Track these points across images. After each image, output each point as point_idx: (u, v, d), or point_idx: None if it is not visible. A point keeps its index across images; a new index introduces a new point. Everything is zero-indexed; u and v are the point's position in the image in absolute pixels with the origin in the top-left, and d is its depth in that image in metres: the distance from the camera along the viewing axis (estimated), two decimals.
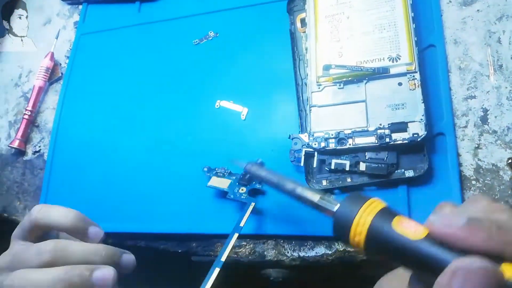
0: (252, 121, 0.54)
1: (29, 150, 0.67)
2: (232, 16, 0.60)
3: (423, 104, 0.42)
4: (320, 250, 0.46)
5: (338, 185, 0.46)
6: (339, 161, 0.45)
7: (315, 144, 0.45)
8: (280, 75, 0.53)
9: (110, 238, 0.53)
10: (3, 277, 0.31)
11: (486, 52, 0.47)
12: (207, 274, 0.39)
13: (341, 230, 0.24)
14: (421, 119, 0.42)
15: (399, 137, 0.42)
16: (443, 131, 0.45)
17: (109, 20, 0.69)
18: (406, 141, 0.42)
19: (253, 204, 0.45)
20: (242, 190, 0.48)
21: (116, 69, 0.65)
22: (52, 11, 0.77)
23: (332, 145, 0.45)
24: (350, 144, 0.44)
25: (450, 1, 0.50)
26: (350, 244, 0.24)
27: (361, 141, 0.44)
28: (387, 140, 0.43)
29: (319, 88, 0.47)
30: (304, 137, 0.47)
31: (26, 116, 0.67)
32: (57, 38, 0.72)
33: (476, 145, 0.44)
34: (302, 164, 0.47)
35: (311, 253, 0.47)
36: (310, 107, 0.47)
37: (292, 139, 0.48)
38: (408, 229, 0.21)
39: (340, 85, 0.47)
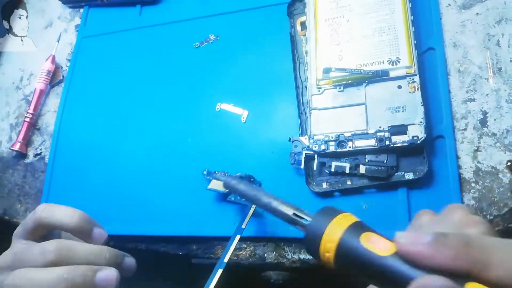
0: (252, 124, 0.54)
1: (30, 153, 0.67)
2: (232, 19, 0.60)
3: (422, 107, 0.43)
4: None
5: (338, 187, 0.46)
6: (339, 163, 0.45)
7: (315, 147, 0.46)
8: (280, 78, 0.54)
9: (111, 241, 0.53)
10: (4, 276, 0.30)
11: (485, 55, 0.47)
12: (210, 275, 0.39)
13: (312, 246, 0.24)
14: (421, 122, 0.42)
15: (399, 140, 0.43)
16: (443, 133, 0.45)
17: (110, 23, 0.69)
18: (406, 144, 0.42)
19: (254, 206, 0.45)
20: None
21: (117, 72, 0.65)
22: (53, 14, 0.77)
23: (332, 147, 0.45)
24: (350, 147, 0.44)
25: (449, 5, 0.50)
26: (321, 261, 0.24)
27: (361, 143, 0.44)
28: (387, 142, 0.43)
29: (319, 91, 0.48)
30: (304, 139, 0.47)
31: (27, 119, 0.67)
32: (58, 41, 0.72)
33: (476, 148, 0.44)
34: (302, 166, 0.47)
35: None
36: (310, 110, 0.47)
37: (292, 141, 0.48)
38: (376, 245, 0.21)
39: (340, 88, 0.47)
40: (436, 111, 0.46)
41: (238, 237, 0.43)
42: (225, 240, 0.43)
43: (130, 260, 0.34)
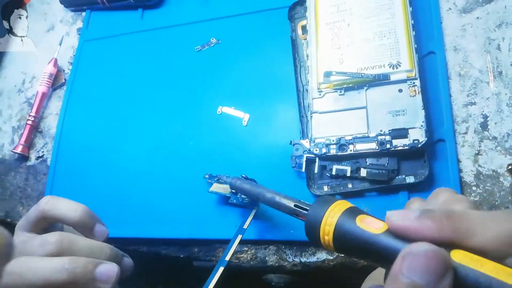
0: (253, 127, 0.54)
1: (32, 156, 0.68)
2: (234, 23, 0.61)
3: (423, 110, 0.43)
4: (322, 256, 0.47)
5: (339, 190, 0.46)
6: (340, 167, 0.45)
7: (316, 150, 0.46)
8: (281, 81, 0.54)
9: (112, 243, 0.53)
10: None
11: (486, 59, 0.47)
12: (211, 274, 0.39)
13: (312, 232, 0.26)
14: (422, 126, 0.42)
15: (399, 143, 0.43)
16: (444, 137, 0.45)
17: (112, 27, 0.70)
18: (407, 147, 0.42)
19: (256, 207, 0.46)
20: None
21: (119, 75, 0.66)
22: (55, 17, 0.77)
23: (333, 151, 0.45)
24: (351, 150, 0.44)
25: (450, 9, 0.50)
26: (322, 245, 0.25)
27: (362, 147, 0.44)
28: (388, 146, 0.43)
29: (320, 94, 0.48)
30: (305, 143, 0.47)
31: (29, 122, 0.67)
32: (60, 44, 0.72)
33: (476, 151, 0.44)
34: (303, 170, 0.47)
35: (313, 259, 0.47)
36: (311, 113, 0.48)
37: (294, 145, 0.48)
38: (370, 224, 0.23)
39: (341, 92, 0.47)
40: (437, 115, 0.46)
41: (239, 237, 0.43)
42: (226, 242, 0.43)
43: (128, 261, 0.35)
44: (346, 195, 0.46)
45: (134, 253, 0.54)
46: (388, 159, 0.44)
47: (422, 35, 0.49)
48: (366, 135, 0.44)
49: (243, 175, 0.48)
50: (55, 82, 0.70)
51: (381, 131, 0.44)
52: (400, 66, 0.45)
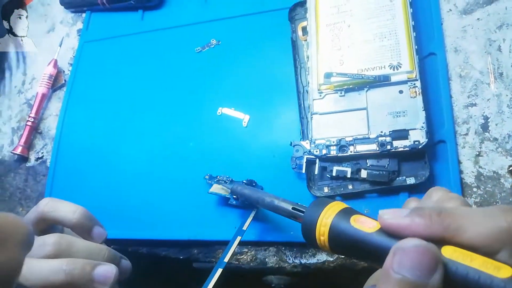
0: (253, 128, 0.54)
1: (32, 157, 0.68)
2: (234, 24, 0.61)
3: (424, 111, 0.43)
4: (322, 257, 0.46)
5: (339, 192, 0.46)
6: (340, 168, 0.45)
7: (316, 151, 0.46)
8: (282, 82, 0.54)
9: (112, 245, 0.53)
10: None
11: (487, 60, 0.47)
12: (210, 275, 0.39)
13: (308, 233, 0.26)
14: (422, 127, 0.42)
15: (400, 145, 0.43)
16: (444, 138, 0.45)
17: (112, 28, 0.70)
18: (407, 149, 0.42)
19: (255, 209, 0.45)
20: None
21: (119, 76, 0.65)
22: (55, 19, 0.77)
23: (333, 152, 0.45)
24: (351, 151, 0.44)
25: (450, 10, 0.50)
26: (318, 246, 0.26)
27: (362, 148, 0.44)
28: (388, 147, 0.43)
29: (320, 95, 0.48)
30: (306, 144, 0.47)
31: (29, 123, 0.67)
32: (60, 45, 0.72)
33: (477, 153, 0.44)
34: (303, 171, 0.47)
35: (313, 260, 0.47)
36: (311, 115, 0.48)
37: (294, 146, 0.48)
38: (364, 224, 0.23)
39: (341, 93, 0.47)
40: (437, 116, 0.46)
41: (239, 238, 0.43)
42: (226, 244, 0.43)
43: (126, 263, 0.34)
44: (346, 197, 0.46)
45: (133, 254, 0.54)
46: (389, 160, 0.44)
47: (423, 36, 0.49)
48: (367, 136, 0.44)
49: (244, 181, 0.48)
50: (55, 83, 0.70)
51: (381, 132, 0.44)
52: (400, 67, 0.45)
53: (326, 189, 0.47)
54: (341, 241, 0.24)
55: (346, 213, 0.25)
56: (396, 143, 0.43)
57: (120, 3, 0.69)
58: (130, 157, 0.59)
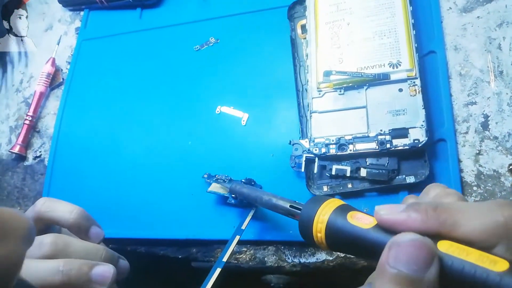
0: (252, 127, 0.54)
1: (30, 156, 0.67)
2: (233, 22, 0.60)
3: (423, 110, 0.42)
4: (321, 256, 0.46)
5: (339, 191, 0.46)
6: (339, 167, 0.45)
7: (315, 150, 0.45)
8: (281, 81, 0.54)
9: (110, 244, 0.53)
10: None
11: (487, 58, 0.47)
12: (208, 274, 0.39)
13: (305, 230, 0.26)
14: (422, 125, 0.42)
15: (400, 143, 0.42)
16: (444, 137, 0.45)
17: (111, 26, 0.69)
18: (407, 147, 0.42)
19: (254, 208, 0.45)
20: None
21: (117, 75, 0.65)
22: (53, 17, 0.77)
23: (332, 151, 0.45)
24: (350, 150, 0.44)
25: (450, 8, 0.50)
26: (315, 243, 0.26)
27: (361, 147, 0.44)
28: (388, 146, 0.43)
29: (319, 94, 0.48)
30: (305, 143, 0.47)
31: (27, 122, 0.67)
32: (58, 44, 0.72)
33: (477, 151, 0.44)
34: (302, 170, 0.47)
35: (312, 259, 0.46)
36: (310, 113, 0.47)
37: (293, 145, 0.47)
38: (361, 220, 0.23)
39: (340, 91, 0.47)
40: (437, 114, 0.46)
41: (237, 237, 0.43)
42: (225, 243, 0.43)
43: (123, 263, 0.34)
44: (346, 195, 0.46)
45: (132, 253, 0.54)
46: (388, 159, 0.44)
47: (423, 35, 0.49)
48: (366, 134, 0.44)
49: (243, 180, 0.48)
50: (53, 81, 0.70)
51: (381, 130, 0.43)
52: (400, 65, 0.45)
53: (325, 188, 0.46)
54: (337, 237, 0.24)
55: (343, 210, 0.25)
56: (395, 142, 0.43)
57: (118, 1, 0.69)
58: (128, 156, 0.59)
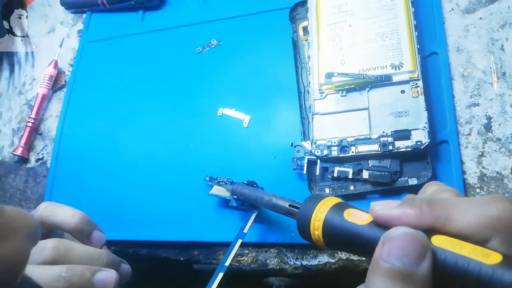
0: (254, 129, 0.54)
1: (32, 158, 0.67)
2: (234, 24, 0.60)
3: (426, 111, 0.42)
4: (323, 259, 0.46)
5: (341, 193, 0.45)
6: (342, 169, 0.45)
7: (317, 152, 0.45)
8: (283, 83, 0.54)
9: (113, 246, 0.53)
10: None
11: (489, 60, 0.46)
12: (211, 279, 0.39)
13: (303, 228, 0.26)
14: (424, 127, 0.42)
15: (402, 145, 0.42)
16: (447, 138, 0.45)
17: (113, 29, 0.70)
18: (409, 149, 0.42)
19: (256, 211, 0.45)
20: None
21: (119, 77, 0.65)
22: (56, 19, 0.77)
23: (334, 152, 0.45)
24: (353, 152, 0.44)
25: (453, 9, 0.50)
26: (313, 241, 0.26)
27: (364, 148, 0.44)
28: (390, 147, 0.42)
29: (321, 95, 0.47)
30: (307, 144, 0.47)
31: (29, 124, 0.67)
32: (61, 46, 0.72)
33: (480, 153, 0.44)
34: (304, 172, 0.46)
35: (314, 262, 0.46)
36: (312, 115, 0.47)
37: (295, 146, 0.47)
38: (357, 217, 0.23)
39: (342, 93, 0.47)
40: (440, 116, 0.46)
41: (239, 241, 0.42)
42: (227, 245, 0.43)
43: (126, 267, 0.34)
44: (348, 197, 0.46)
45: (134, 256, 0.54)
46: (391, 161, 0.43)
47: (425, 36, 0.49)
48: (368, 136, 0.44)
49: (245, 181, 0.48)
50: (55, 84, 0.70)
51: (383, 132, 0.43)
52: (402, 67, 0.45)
53: (327, 190, 0.46)
54: (334, 235, 0.24)
55: (340, 207, 0.25)
56: (398, 144, 0.42)
57: (120, 4, 0.69)
58: (130, 158, 0.59)
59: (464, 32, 0.49)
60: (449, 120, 0.45)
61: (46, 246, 0.30)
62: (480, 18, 0.48)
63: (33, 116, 0.67)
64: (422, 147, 0.41)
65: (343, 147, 0.45)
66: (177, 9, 0.67)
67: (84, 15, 0.74)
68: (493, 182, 0.43)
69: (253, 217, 0.45)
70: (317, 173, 0.46)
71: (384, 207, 0.22)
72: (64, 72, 0.71)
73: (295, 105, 0.51)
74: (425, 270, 0.18)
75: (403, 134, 0.42)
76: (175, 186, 0.54)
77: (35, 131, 0.69)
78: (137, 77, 0.64)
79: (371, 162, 0.44)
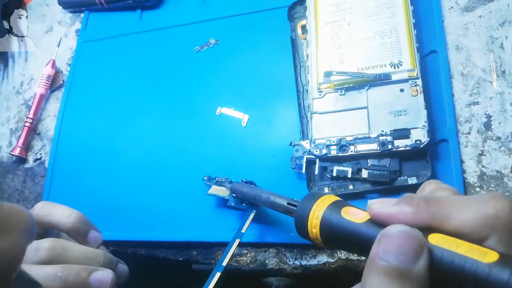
0: (253, 128, 0.53)
1: (30, 158, 0.67)
2: (233, 23, 0.60)
3: (425, 110, 0.42)
4: (322, 259, 0.46)
5: (340, 192, 0.45)
6: (341, 168, 0.45)
7: (316, 151, 0.45)
8: (281, 81, 0.53)
9: (111, 246, 0.53)
10: None
11: (489, 58, 0.46)
12: (208, 279, 0.39)
13: (301, 226, 0.26)
14: (424, 126, 0.42)
15: (401, 144, 0.42)
16: (446, 137, 0.44)
17: (111, 28, 0.69)
18: (409, 148, 0.41)
19: (254, 211, 0.45)
20: None
21: (117, 76, 0.65)
22: (54, 19, 0.77)
23: (333, 152, 0.44)
24: (352, 151, 0.44)
25: (452, 7, 0.50)
26: (311, 239, 0.26)
27: (363, 148, 0.44)
28: (389, 146, 0.42)
29: (320, 94, 0.47)
30: (306, 144, 0.47)
31: (27, 124, 0.67)
32: (58, 46, 0.72)
33: (480, 152, 0.44)
34: (303, 171, 0.46)
35: (313, 262, 0.46)
36: (311, 114, 0.47)
37: (294, 146, 0.47)
38: (355, 215, 0.23)
39: (341, 92, 0.46)
40: (439, 115, 0.45)
41: (237, 241, 0.42)
42: (225, 245, 0.43)
43: (122, 267, 0.34)
44: (347, 197, 0.45)
45: (132, 256, 0.54)
46: (390, 160, 0.43)
47: (424, 34, 0.48)
48: (367, 135, 0.44)
49: (244, 180, 0.48)
50: (53, 83, 0.70)
51: (382, 131, 0.43)
52: (401, 65, 0.44)
53: (326, 189, 0.46)
54: (332, 233, 0.24)
55: (337, 205, 0.25)
56: (397, 143, 0.42)
57: (118, 3, 0.69)
58: (128, 158, 0.58)
59: (464, 30, 0.48)
60: (449, 119, 0.45)
61: (42, 246, 0.30)
62: (480, 16, 0.48)
63: (31, 116, 0.67)
64: (421, 146, 0.41)
65: (342, 146, 0.44)
66: (175, 8, 0.66)
67: (82, 15, 0.74)
68: (493, 181, 0.42)
69: (251, 216, 0.44)
70: (316, 172, 0.46)
71: (381, 205, 0.22)
72: (62, 72, 0.71)
73: (294, 104, 0.51)
74: (421, 268, 0.18)
75: (402, 133, 0.42)
76: (173, 186, 0.54)
77: (33, 131, 0.68)
78: (135, 77, 0.64)
79: (370, 161, 0.44)
